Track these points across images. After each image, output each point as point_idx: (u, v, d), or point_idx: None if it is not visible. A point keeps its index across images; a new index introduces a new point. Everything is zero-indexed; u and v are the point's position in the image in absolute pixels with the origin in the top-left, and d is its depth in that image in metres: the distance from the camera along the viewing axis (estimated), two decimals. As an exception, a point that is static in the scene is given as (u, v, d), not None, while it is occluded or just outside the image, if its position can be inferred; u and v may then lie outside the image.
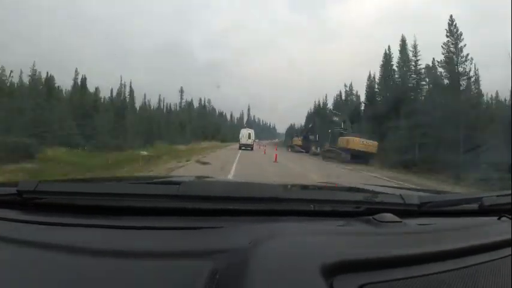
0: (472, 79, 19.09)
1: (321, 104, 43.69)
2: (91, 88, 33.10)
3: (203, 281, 0.45)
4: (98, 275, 0.48)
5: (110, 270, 0.49)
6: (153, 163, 10.64)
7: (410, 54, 22.71)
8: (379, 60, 26.83)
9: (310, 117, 41.56)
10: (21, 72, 29.88)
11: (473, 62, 18.01)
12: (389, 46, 26.39)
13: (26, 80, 30.29)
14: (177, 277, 0.46)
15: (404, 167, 14.56)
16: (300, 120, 54.74)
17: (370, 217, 0.67)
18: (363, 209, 0.74)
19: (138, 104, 43.80)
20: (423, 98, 21.17)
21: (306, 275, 0.44)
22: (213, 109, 67.00)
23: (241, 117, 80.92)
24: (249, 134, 25.82)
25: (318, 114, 36.34)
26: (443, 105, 16.88)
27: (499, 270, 0.52)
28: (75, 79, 32.63)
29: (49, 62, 51.28)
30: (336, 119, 23.22)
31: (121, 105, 33.44)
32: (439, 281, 0.48)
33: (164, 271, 0.48)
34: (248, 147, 23.80)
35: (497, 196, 0.83)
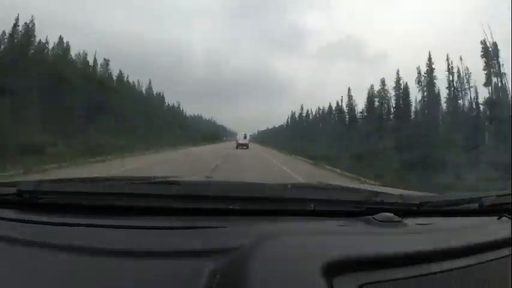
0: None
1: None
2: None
3: (203, 280, 0.45)
4: (97, 275, 0.48)
5: (110, 270, 0.49)
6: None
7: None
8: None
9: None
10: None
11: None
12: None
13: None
14: (177, 277, 0.46)
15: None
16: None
17: (370, 217, 0.67)
18: (363, 208, 0.73)
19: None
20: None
21: (306, 274, 0.44)
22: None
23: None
24: (245, 135, 39.70)
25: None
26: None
27: (499, 270, 0.53)
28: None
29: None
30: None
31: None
32: (439, 281, 0.49)
33: (164, 271, 0.48)
34: (245, 145, 35.61)
35: (497, 196, 0.83)
